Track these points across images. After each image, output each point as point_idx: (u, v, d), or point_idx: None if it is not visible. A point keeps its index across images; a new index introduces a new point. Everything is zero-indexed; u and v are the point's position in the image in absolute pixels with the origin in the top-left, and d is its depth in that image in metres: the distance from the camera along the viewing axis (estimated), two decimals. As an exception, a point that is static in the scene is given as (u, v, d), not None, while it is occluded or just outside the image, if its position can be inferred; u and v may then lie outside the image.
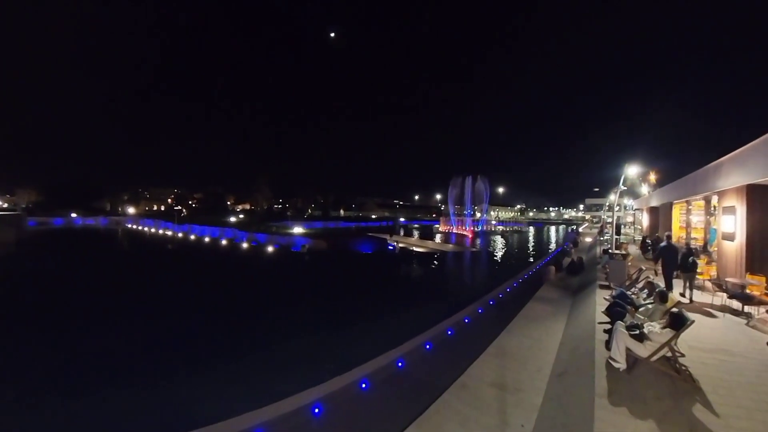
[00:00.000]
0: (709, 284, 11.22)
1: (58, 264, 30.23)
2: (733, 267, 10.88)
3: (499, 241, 54.49)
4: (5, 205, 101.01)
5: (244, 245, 42.07)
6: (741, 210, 10.60)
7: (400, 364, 7.27)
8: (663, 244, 11.28)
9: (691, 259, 10.33)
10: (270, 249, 38.75)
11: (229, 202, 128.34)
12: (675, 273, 10.71)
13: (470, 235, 54.37)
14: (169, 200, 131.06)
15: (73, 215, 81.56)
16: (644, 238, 23.03)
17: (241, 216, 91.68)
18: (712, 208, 15.31)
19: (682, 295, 10.35)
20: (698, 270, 10.79)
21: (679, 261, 10.54)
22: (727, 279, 10.02)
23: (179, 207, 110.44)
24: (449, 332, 9.35)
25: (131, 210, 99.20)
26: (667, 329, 5.70)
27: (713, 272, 12.26)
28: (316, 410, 5.60)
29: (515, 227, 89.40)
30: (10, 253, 37.20)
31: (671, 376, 5.37)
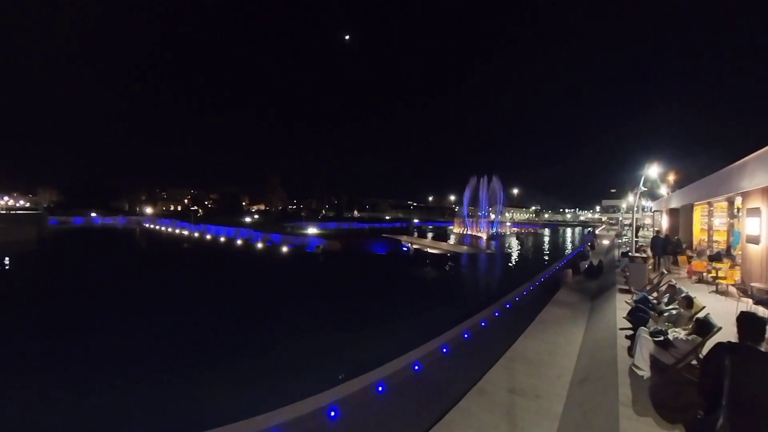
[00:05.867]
0: (733, 289, 10.93)
1: (79, 261, 30.89)
2: (759, 271, 10.55)
3: (514, 243, 53.96)
4: (27, 205, 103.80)
5: (259, 245, 42.37)
6: (766, 212, 10.29)
7: (416, 367, 7.20)
8: (653, 236, 17.63)
9: (670, 247, 16.80)
10: (284, 249, 38.93)
11: (244, 203, 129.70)
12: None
13: (485, 237, 53.91)
14: (186, 200, 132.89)
15: (93, 214, 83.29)
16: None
17: (256, 216, 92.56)
18: (736, 210, 14.91)
19: (667, 270, 14.57)
20: (720, 273, 11.98)
21: (661, 247, 16.19)
22: (752, 284, 9.73)
23: (195, 207, 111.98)
24: (466, 336, 9.25)
25: (149, 210, 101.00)
26: (693, 336, 5.53)
27: (737, 277, 11.90)
28: (332, 413, 5.57)
29: (530, 229, 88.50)
30: (33, 251, 38.18)
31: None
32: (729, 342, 3.28)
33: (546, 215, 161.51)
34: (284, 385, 8.23)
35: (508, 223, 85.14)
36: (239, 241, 46.12)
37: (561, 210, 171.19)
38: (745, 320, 3.32)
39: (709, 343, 5.51)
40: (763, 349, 3.24)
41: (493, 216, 75.39)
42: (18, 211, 71.15)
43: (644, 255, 15.42)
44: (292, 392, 6.28)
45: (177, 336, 12.56)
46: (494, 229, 67.74)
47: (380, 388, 6.33)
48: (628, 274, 13.01)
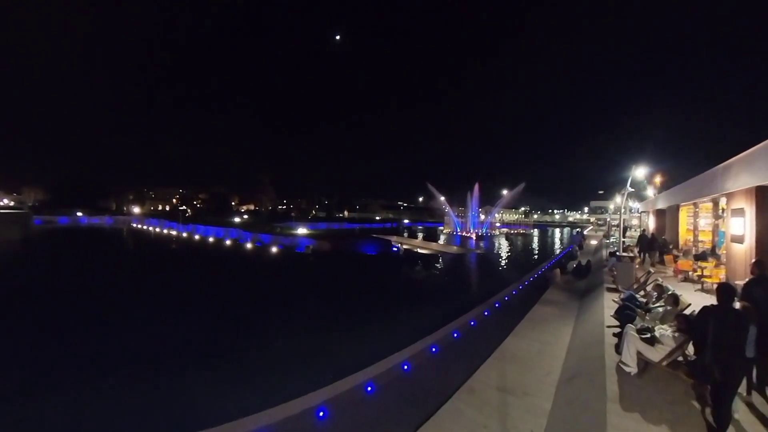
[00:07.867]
0: (718, 288, 11.08)
1: (64, 262, 30.36)
2: (743, 270, 10.69)
3: (503, 244, 54.29)
4: (12, 204, 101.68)
5: (249, 246, 42.05)
6: (750, 212, 10.43)
7: (405, 367, 7.18)
8: (640, 234, 19.69)
9: (656, 244, 18.01)
10: (274, 249, 38.68)
11: (233, 203, 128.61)
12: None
13: (474, 238, 54.13)
14: (174, 200, 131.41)
15: (79, 214, 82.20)
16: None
17: (246, 216, 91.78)
18: (720, 211, 15.13)
19: (652, 264, 16.63)
20: (705, 272, 12.55)
21: (647, 244, 18.10)
22: (736, 282, 9.87)
23: (184, 207, 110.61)
24: (455, 335, 9.25)
25: (136, 209, 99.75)
26: (679, 333, 5.59)
27: (722, 275, 12.10)
28: (321, 413, 5.52)
29: (519, 230, 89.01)
30: (17, 251, 37.46)
31: (684, 381, 5.26)
32: (711, 305, 4.61)
33: (535, 216, 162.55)
34: (275, 385, 8.17)
35: (497, 224, 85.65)
36: (228, 242, 45.73)
37: (550, 211, 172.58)
38: (722, 288, 4.63)
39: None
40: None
41: (483, 217, 75.80)
42: (1, 210, 69.45)
43: (631, 254, 15.61)
44: (282, 392, 6.23)
45: (165, 337, 12.38)
46: (484, 230, 68.09)
47: (369, 388, 6.29)
48: (615, 273, 13.11)
